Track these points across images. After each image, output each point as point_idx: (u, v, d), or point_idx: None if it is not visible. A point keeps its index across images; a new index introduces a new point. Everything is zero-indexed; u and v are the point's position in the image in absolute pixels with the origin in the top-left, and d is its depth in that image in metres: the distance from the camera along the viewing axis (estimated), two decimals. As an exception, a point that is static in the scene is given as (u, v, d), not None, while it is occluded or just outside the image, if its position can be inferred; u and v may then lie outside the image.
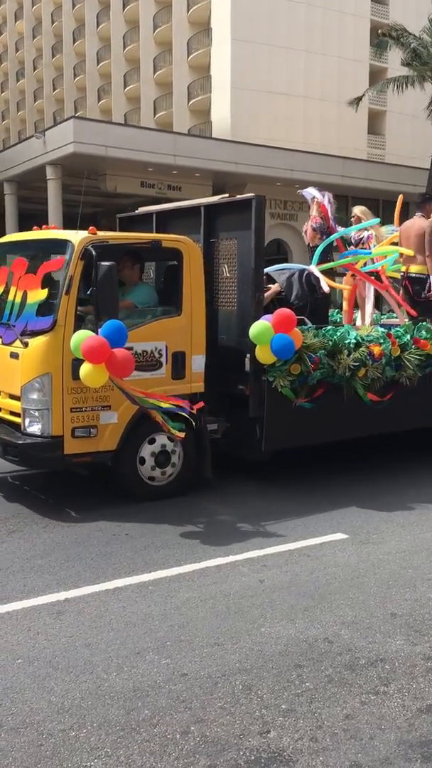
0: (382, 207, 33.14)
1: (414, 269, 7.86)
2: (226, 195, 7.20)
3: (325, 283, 7.19)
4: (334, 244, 7.67)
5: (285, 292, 7.32)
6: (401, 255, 7.82)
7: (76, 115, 36.47)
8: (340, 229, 7.74)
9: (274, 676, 3.25)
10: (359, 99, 28.93)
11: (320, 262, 7.43)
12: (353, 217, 8.31)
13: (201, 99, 34.81)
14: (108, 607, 3.98)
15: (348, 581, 4.36)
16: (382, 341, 6.65)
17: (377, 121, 35.74)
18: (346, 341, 6.39)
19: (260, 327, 5.91)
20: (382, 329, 7.04)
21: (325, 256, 7.54)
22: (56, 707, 3.00)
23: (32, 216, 30.05)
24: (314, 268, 7.34)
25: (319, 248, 7.47)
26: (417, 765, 2.65)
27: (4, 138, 57.60)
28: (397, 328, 7.06)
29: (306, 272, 7.41)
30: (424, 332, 7.05)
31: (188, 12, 35.08)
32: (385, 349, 6.58)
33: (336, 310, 9.43)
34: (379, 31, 28.84)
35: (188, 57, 35.52)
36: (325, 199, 7.79)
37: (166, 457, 5.99)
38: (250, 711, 2.98)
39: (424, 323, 7.22)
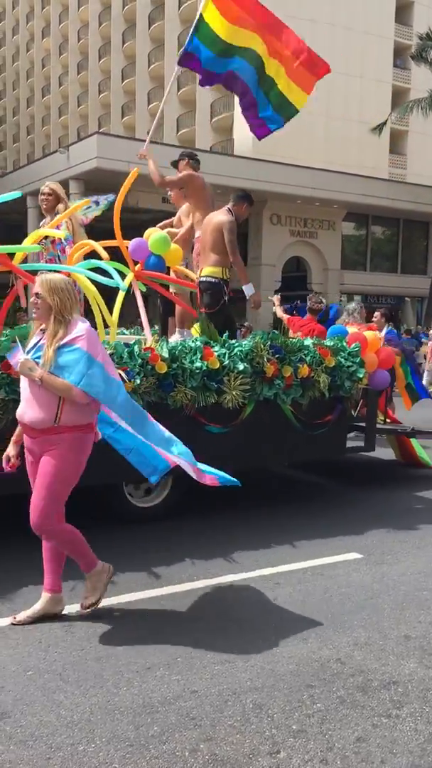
0: (403, 226, 33.27)
1: (207, 271, 6.52)
2: None
3: None
4: None
5: None
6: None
7: (100, 130, 36.96)
8: None
9: (285, 695, 3.22)
10: (382, 125, 29.09)
11: None
12: (45, 194, 6.86)
13: (223, 117, 35.15)
14: (119, 621, 3.97)
15: (361, 602, 4.32)
16: None
17: (399, 140, 35.86)
18: None
19: None
20: None
21: None
22: (65, 721, 2.99)
23: (54, 229, 30.40)
24: None
25: None
26: (429, 791, 2.60)
27: (29, 152, 58.46)
28: None
29: None
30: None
31: (213, 31, 35.42)
32: None
33: None
34: (412, 52, 28.98)
35: (212, 75, 35.80)
36: None
37: None
38: (260, 730, 2.94)
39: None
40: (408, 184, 32.48)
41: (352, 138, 33.85)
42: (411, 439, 8.04)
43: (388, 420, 7.95)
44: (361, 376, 6.35)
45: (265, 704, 3.14)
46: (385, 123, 29.26)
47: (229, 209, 6.71)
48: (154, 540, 5.39)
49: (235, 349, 5.72)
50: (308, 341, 6.30)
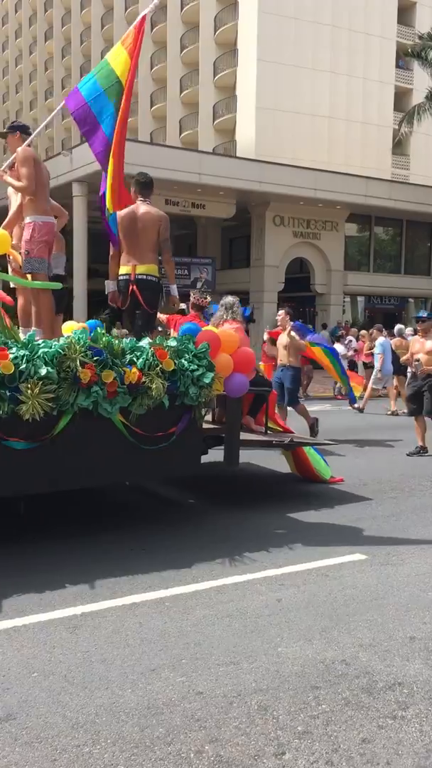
0: (406, 227, 33.23)
1: (145, 269, 6.28)
2: None
3: None
4: None
5: None
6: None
7: (103, 133, 36.97)
8: None
9: (291, 697, 3.21)
10: (399, 138, 29.25)
11: None
12: None
13: (226, 118, 35.20)
14: (124, 622, 3.97)
15: (366, 603, 4.31)
16: None
17: (403, 141, 35.80)
18: None
19: None
20: None
21: None
22: (71, 722, 2.99)
23: (57, 232, 30.54)
24: None
25: None
26: (435, 792, 2.60)
27: (32, 155, 58.46)
28: None
29: None
30: None
31: (215, 33, 35.58)
32: None
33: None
34: (408, 50, 29.06)
35: (214, 77, 35.97)
36: None
37: None
38: (265, 732, 2.94)
39: None
40: (411, 184, 32.45)
41: (355, 139, 33.86)
42: (307, 452, 7.45)
43: (278, 428, 7.41)
44: (208, 381, 5.52)
45: (270, 706, 3.14)
46: (400, 139, 29.34)
47: (147, 201, 6.46)
48: (157, 541, 5.39)
49: (39, 351, 4.91)
50: (145, 341, 5.55)
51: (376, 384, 14.58)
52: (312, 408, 14.16)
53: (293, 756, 2.79)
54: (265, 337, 10.61)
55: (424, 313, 9.72)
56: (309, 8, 31.71)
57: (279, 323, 10.19)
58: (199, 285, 26.71)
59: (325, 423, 12.46)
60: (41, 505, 6.34)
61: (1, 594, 4.28)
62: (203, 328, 6.06)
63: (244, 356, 6.07)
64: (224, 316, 7.08)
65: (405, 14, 35.77)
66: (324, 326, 28.35)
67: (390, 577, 4.75)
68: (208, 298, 8.13)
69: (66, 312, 7.31)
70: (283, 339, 9.97)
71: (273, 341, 10.43)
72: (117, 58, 6.21)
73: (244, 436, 6.54)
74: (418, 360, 9.07)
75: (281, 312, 10.29)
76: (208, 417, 6.71)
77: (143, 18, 6.28)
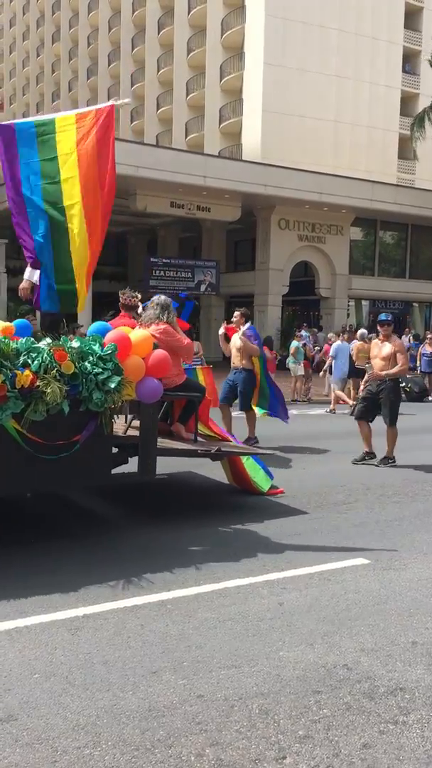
0: (411, 231, 33.22)
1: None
2: None
3: None
4: None
5: None
6: None
7: (109, 135, 37.05)
8: None
9: (292, 701, 3.21)
10: (415, 144, 29.34)
11: None
12: None
13: (232, 122, 35.27)
14: (126, 624, 3.97)
15: (369, 607, 4.30)
16: None
17: (408, 146, 35.86)
18: None
19: None
20: None
21: None
22: (72, 724, 2.99)
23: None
24: None
25: None
26: (436, 799, 2.59)
27: (38, 157, 58.57)
28: None
29: None
30: None
31: (222, 37, 35.65)
32: None
33: None
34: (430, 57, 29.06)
35: (221, 80, 36.04)
36: None
37: None
38: (266, 736, 2.94)
39: None
40: (416, 189, 32.45)
41: (361, 143, 33.90)
42: (244, 461, 7.03)
43: (214, 436, 7.03)
44: (114, 385, 5.12)
45: (271, 710, 3.13)
46: (417, 138, 29.32)
47: None
48: (160, 544, 5.39)
49: None
50: (45, 341, 5.15)
51: (337, 384, 14.78)
52: (314, 411, 14.16)
53: (294, 760, 2.78)
54: (221, 331, 10.25)
55: (386, 317, 9.04)
56: (316, 12, 31.77)
57: (234, 324, 9.80)
58: (203, 288, 26.76)
59: (326, 426, 12.46)
60: (42, 507, 6.35)
61: (2, 595, 4.29)
62: (114, 329, 5.64)
63: (158, 359, 5.64)
64: (159, 317, 6.47)
65: (411, 18, 35.83)
66: (320, 328, 28.41)
67: (393, 582, 4.74)
68: (138, 296, 7.59)
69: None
70: (236, 341, 9.63)
71: (227, 338, 10.00)
72: (64, 131, 5.65)
73: (168, 444, 6.19)
74: (368, 363, 8.78)
75: (237, 313, 9.85)
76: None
77: (111, 109, 5.66)
